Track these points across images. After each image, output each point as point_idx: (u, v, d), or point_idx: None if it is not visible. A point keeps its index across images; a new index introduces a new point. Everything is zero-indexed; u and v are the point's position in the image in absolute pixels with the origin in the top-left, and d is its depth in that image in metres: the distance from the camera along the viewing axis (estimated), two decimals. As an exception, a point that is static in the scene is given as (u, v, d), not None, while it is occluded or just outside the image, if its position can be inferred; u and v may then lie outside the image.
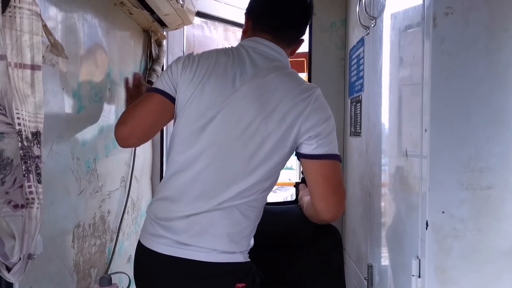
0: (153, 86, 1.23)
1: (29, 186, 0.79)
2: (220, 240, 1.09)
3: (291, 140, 1.12)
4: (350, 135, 1.86)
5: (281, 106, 1.11)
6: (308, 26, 1.31)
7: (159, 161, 2.06)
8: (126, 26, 1.60)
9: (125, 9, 1.51)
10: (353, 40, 1.81)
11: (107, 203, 1.43)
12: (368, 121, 1.49)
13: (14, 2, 0.74)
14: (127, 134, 1.22)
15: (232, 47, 1.25)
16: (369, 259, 1.45)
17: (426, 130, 0.93)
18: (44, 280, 1.01)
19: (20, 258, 0.79)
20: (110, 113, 1.45)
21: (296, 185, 1.71)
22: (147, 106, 1.20)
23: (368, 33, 1.50)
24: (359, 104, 1.65)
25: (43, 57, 0.93)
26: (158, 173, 2.05)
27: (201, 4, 2.28)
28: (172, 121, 1.22)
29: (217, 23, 2.64)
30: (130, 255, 1.60)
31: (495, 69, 0.90)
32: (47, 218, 1.00)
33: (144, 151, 1.90)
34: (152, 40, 1.85)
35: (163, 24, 1.79)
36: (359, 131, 1.64)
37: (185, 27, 2.07)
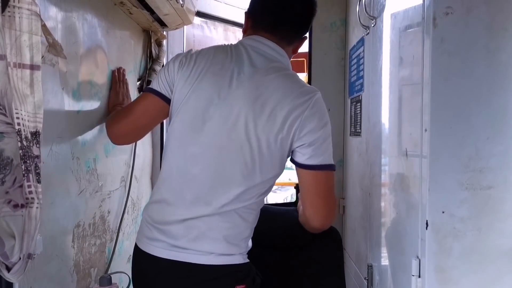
0: (150, 85, 1.22)
1: (29, 186, 0.79)
2: (219, 243, 1.09)
3: (288, 144, 1.11)
4: (350, 135, 1.86)
5: (278, 108, 1.08)
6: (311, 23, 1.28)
7: (159, 161, 2.06)
8: (126, 26, 1.60)
9: (125, 9, 1.51)
10: (353, 40, 1.81)
11: (107, 203, 1.43)
12: (368, 121, 1.49)
13: (14, 1, 0.74)
14: (119, 133, 1.27)
15: (231, 44, 1.22)
16: (369, 259, 1.45)
17: (426, 130, 0.93)
18: (44, 279, 1.01)
19: (20, 258, 0.79)
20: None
21: (297, 186, 1.71)
22: (141, 108, 1.21)
23: (368, 33, 1.50)
24: (359, 104, 1.65)
25: (42, 57, 0.93)
26: (158, 173, 2.05)
27: (201, 4, 2.28)
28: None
29: (217, 23, 2.64)
30: (130, 255, 1.60)
31: (495, 69, 0.90)
32: (47, 218, 1.00)
33: (144, 151, 1.90)
34: (152, 40, 1.84)
35: (163, 24, 1.79)
36: (359, 131, 1.64)
37: (185, 27, 2.07)
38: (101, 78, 1.36)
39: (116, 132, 1.27)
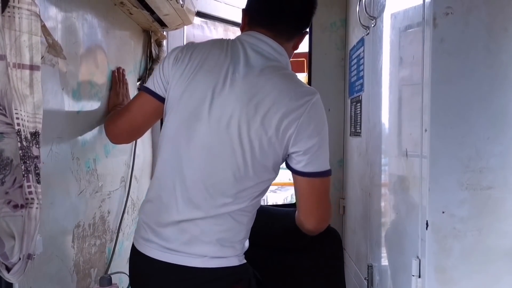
0: (145, 84, 1.20)
1: (29, 186, 0.79)
2: (212, 247, 1.07)
3: (283, 148, 1.08)
4: (350, 135, 1.86)
5: (273, 111, 1.04)
6: (311, 18, 1.21)
7: (159, 161, 2.05)
8: (126, 26, 1.60)
9: (125, 9, 1.51)
10: (353, 40, 1.81)
11: (107, 203, 1.43)
12: (368, 121, 1.49)
13: (13, 2, 0.74)
14: (116, 133, 1.28)
15: (228, 40, 1.17)
16: (369, 259, 1.45)
17: (426, 130, 0.93)
18: (44, 280, 1.01)
19: (19, 258, 0.79)
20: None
21: None
22: (136, 107, 1.21)
23: (368, 33, 1.50)
24: (359, 104, 1.65)
25: (42, 57, 0.93)
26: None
27: (201, 4, 2.28)
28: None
29: (217, 23, 2.64)
30: (130, 255, 1.60)
31: (495, 69, 0.90)
32: (47, 218, 1.00)
33: (144, 151, 1.90)
34: (152, 40, 1.85)
35: (163, 24, 1.79)
36: (359, 131, 1.64)
37: (185, 27, 2.07)
38: (101, 78, 1.36)
39: (113, 131, 1.28)
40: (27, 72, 0.77)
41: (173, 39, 2.15)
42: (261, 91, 1.06)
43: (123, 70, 1.50)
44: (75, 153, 1.17)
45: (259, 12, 1.17)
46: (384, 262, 1.30)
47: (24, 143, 0.77)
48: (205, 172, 1.08)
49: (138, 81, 1.79)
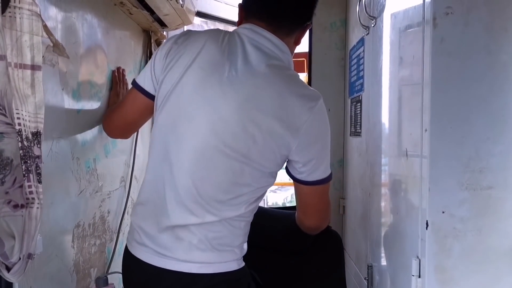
0: (136, 79, 1.14)
1: (29, 186, 0.79)
2: (210, 253, 1.03)
3: (282, 155, 1.02)
4: (350, 135, 1.86)
5: (273, 115, 0.98)
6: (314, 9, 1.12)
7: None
8: (126, 26, 1.60)
9: (125, 9, 1.51)
10: (353, 40, 1.81)
11: (107, 203, 1.43)
12: (368, 121, 1.49)
13: (14, 2, 0.74)
14: (111, 128, 1.28)
15: (226, 31, 1.07)
16: (369, 259, 1.45)
17: (426, 130, 0.93)
18: (44, 280, 1.01)
19: (20, 258, 0.79)
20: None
21: None
22: (128, 104, 1.18)
23: (368, 33, 1.50)
24: (359, 104, 1.65)
25: (43, 57, 0.93)
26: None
27: (201, 4, 2.28)
28: None
29: (217, 23, 2.64)
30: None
31: (495, 69, 0.90)
32: (47, 218, 1.00)
33: (144, 151, 1.90)
34: (152, 40, 1.84)
35: (163, 24, 1.79)
36: (359, 131, 1.64)
37: (185, 27, 2.07)
38: (101, 78, 1.36)
39: (109, 126, 1.28)
40: (28, 72, 0.77)
41: (173, 39, 2.15)
42: (261, 93, 0.99)
43: (123, 70, 1.50)
44: (75, 153, 1.17)
45: (257, 4, 1.08)
46: (384, 262, 1.30)
47: (25, 143, 0.78)
48: (196, 177, 1.01)
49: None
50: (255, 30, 1.05)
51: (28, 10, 0.76)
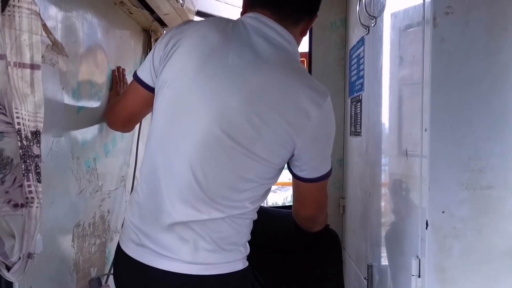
0: (137, 71, 1.11)
1: (29, 186, 0.79)
2: (217, 254, 0.99)
3: (287, 150, 0.99)
4: (350, 134, 1.86)
5: (281, 109, 0.95)
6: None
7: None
8: (126, 26, 1.60)
9: (125, 8, 1.51)
10: (353, 39, 1.81)
11: (107, 203, 1.43)
12: (368, 121, 1.49)
13: (13, 1, 0.74)
14: (113, 120, 1.27)
15: (230, 20, 1.03)
16: (369, 259, 1.45)
17: (426, 130, 0.93)
18: (44, 279, 1.01)
19: (19, 257, 0.79)
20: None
21: None
22: (130, 96, 1.17)
23: (368, 33, 1.50)
24: (359, 103, 1.65)
25: (42, 56, 0.93)
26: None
27: (201, 4, 2.28)
28: None
29: (217, 23, 2.64)
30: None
31: (495, 69, 0.90)
32: (47, 218, 1.00)
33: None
34: (152, 40, 1.85)
35: (163, 24, 1.79)
36: (359, 130, 1.64)
37: (185, 26, 2.07)
38: (101, 77, 1.36)
39: (111, 118, 1.27)
40: (27, 71, 0.77)
41: (173, 39, 2.15)
42: (268, 86, 0.95)
43: (123, 69, 1.50)
44: (75, 152, 1.17)
45: None
46: (384, 261, 1.30)
47: (25, 142, 0.78)
48: (198, 171, 0.96)
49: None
50: (260, 19, 1.00)
51: (27, 9, 0.76)
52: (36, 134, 0.79)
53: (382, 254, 1.31)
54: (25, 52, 0.76)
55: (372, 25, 1.43)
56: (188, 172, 0.97)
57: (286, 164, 1.08)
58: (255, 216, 1.08)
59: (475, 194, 0.91)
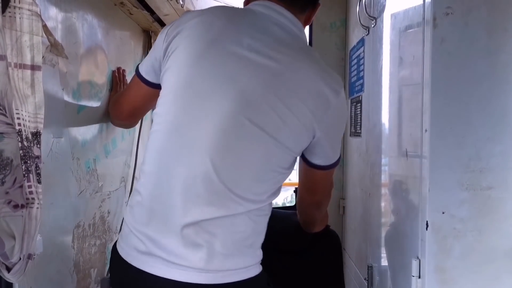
0: (139, 66, 1.09)
1: (29, 186, 0.79)
2: (234, 259, 0.91)
3: (308, 137, 0.96)
4: (350, 135, 1.86)
5: (303, 95, 0.92)
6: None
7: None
8: (126, 26, 1.60)
9: (125, 9, 1.51)
10: (353, 40, 1.81)
11: (107, 203, 1.43)
12: (368, 121, 1.49)
13: (14, 2, 0.74)
14: (117, 113, 1.26)
15: (235, 8, 1.00)
16: (369, 259, 1.45)
17: (426, 130, 0.93)
18: (44, 280, 1.01)
19: (20, 258, 0.79)
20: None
21: (296, 190, 1.71)
22: (131, 91, 1.17)
23: (368, 33, 1.50)
24: (359, 104, 1.65)
25: (43, 57, 0.93)
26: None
27: (201, 4, 2.28)
28: None
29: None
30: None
31: (495, 69, 0.90)
32: (47, 218, 1.00)
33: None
34: (152, 41, 1.85)
35: (163, 25, 1.79)
36: (359, 131, 1.64)
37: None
38: (101, 78, 1.36)
39: (116, 111, 1.27)
40: (28, 72, 0.77)
41: (173, 39, 2.15)
42: (289, 71, 0.92)
43: (124, 70, 1.50)
44: (75, 153, 1.17)
45: None
46: (384, 262, 1.30)
47: (25, 143, 0.78)
48: (217, 159, 0.89)
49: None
50: (271, 6, 0.98)
51: (28, 10, 0.76)
52: (36, 135, 0.79)
53: (382, 255, 1.31)
54: (26, 53, 0.76)
55: (372, 25, 1.43)
56: (205, 162, 0.89)
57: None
58: (270, 213, 1.02)
59: (475, 194, 0.91)
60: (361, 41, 1.61)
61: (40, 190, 0.80)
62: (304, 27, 1.07)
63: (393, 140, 1.23)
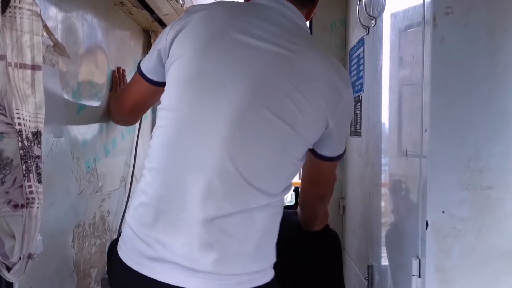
0: (141, 63, 1.08)
1: (29, 186, 0.79)
2: (252, 261, 0.87)
3: (322, 127, 0.95)
4: (350, 135, 1.86)
5: (319, 85, 0.91)
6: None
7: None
8: (126, 26, 1.60)
9: (125, 9, 1.51)
10: (353, 40, 1.81)
11: (107, 203, 1.43)
12: (368, 121, 1.49)
13: (14, 2, 0.74)
14: (118, 109, 1.26)
15: (238, 2, 1.00)
16: (369, 259, 1.45)
17: (426, 130, 0.93)
18: (44, 280, 1.01)
19: (20, 258, 0.79)
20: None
21: (296, 189, 1.71)
22: (132, 87, 1.16)
23: (368, 33, 1.50)
24: (359, 104, 1.65)
25: (43, 57, 0.93)
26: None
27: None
28: None
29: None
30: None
31: (495, 69, 0.90)
32: (47, 218, 1.00)
33: (145, 151, 1.90)
34: (152, 40, 1.85)
35: (163, 24, 1.79)
36: (359, 131, 1.64)
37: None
38: (101, 78, 1.36)
39: (118, 106, 1.26)
40: (28, 72, 0.77)
41: (173, 39, 2.15)
42: (303, 60, 0.91)
43: (123, 70, 1.50)
44: (75, 153, 1.17)
45: None
46: (384, 262, 1.30)
47: (25, 142, 0.78)
48: (235, 150, 0.85)
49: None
50: (277, 0, 0.97)
51: (29, 10, 0.76)
52: (37, 134, 0.79)
53: (382, 254, 1.32)
54: (26, 53, 0.76)
55: (372, 25, 1.43)
56: (221, 153, 0.85)
57: None
58: (282, 212, 0.99)
59: (475, 194, 0.91)
60: (361, 41, 1.61)
61: (40, 190, 0.80)
62: (306, 20, 1.07)
63: (393, 139, 1.23)
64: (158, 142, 0.91)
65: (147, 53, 1.83)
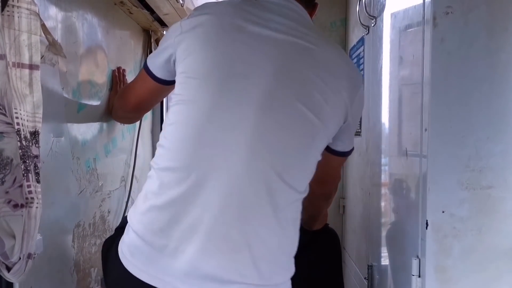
0: (148, 60, 1.05)
1: (28, 186, 0.79)
2: (274, 268, 0.83)
3: (342, 119, 0.94)
4: (350, 134, 1.86)
5: (340, 78, 0.90)
6: None
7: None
8: (126, 26, 1.60)
9: (125, 8, 1.51)
10: (353, 39, 1.81)
11: (107, 203, 1.43)
12: (368, 121, 1.49)
13: (13, 1, 0.74)
14: (122, 105, 1.24)
15: (243, 1, 0.95)
16: (369, 258, 1.45)
17: (426, 130, 0.93)
18: (44, 279, 1.01)
19: (20, 258, 0.79)
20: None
21: None
22: (137, 85, 1.15)
23: (368, 33, 1.50)
24: (359, 103, 1.65)
25: (42, 56, 0.93)
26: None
27: (201, 4, 2.28)
28: None
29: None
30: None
31: (495, 69, 0.90)
32: (47, 218, 1.00)
33: (144, 151, 1.90)
34: (152, 40, 1.85)
35: (163, 24, 1.79)
36: (359, 130, 1.64)
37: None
38: (101, 77, 1.36)
39: (121, 104, 1.24)
40: (26, 71, 0.77)
41: (173, 39, 2.15)
42: (323, 53, 0.90)
43: (124, 70, 1.50)
44: (75, 152, 1.17)
45: None
46: (384, 261, 1.30)
47: (24, 142, 0.78)
48: (265, 143, 0.81)
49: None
50: None
51: (27, 9, 0.76)
52: (34, 134, 0.79)
53: (382, 254, 1.31)
54: (24, 52, 0.76)
55: (372, 25, 1.43)
56: (250, 146, 0.80)
57: None
58: (300, 217, 0.95)
59: (475, 194, 0.91)
60: (361, 40, 1.61)
61: (39, 190, 0.80)
62: None
63: (393, 139, 1.23)
64: (174, 139, 0.85)
65: (147, 53, 1.85)
